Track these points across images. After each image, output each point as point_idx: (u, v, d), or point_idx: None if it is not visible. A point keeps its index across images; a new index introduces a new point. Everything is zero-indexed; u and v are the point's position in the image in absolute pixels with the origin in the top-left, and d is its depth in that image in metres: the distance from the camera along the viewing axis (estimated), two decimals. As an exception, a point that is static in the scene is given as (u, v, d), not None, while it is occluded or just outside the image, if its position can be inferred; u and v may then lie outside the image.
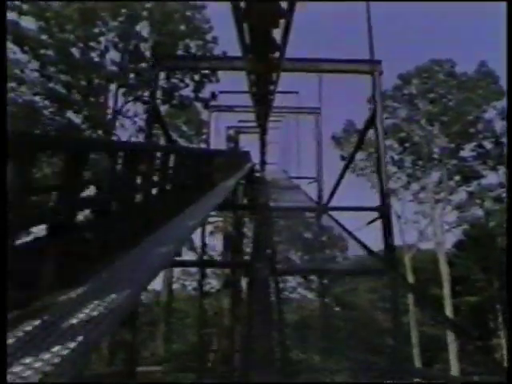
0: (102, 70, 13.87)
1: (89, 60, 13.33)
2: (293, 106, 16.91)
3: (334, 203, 12.15)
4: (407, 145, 26.49)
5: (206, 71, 17.68)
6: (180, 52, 17.14)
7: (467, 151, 24.54)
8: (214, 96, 19.08)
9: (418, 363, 19.48)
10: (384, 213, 8.46)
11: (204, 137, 23.27)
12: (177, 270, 30.38)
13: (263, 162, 22.41)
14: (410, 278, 22.66)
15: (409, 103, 25.11)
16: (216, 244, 29.02)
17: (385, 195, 8.56)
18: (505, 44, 4.34)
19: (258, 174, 20.50)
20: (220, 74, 18.06)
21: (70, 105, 12.48)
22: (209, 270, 35.70)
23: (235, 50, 9.95)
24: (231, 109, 16.75)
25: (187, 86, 18.79)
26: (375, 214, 8.93)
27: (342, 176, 10.81)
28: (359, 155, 28.81)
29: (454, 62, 22.47)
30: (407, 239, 24.87)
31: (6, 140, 1.81)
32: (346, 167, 10.91)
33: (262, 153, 22.11)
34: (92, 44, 13.81)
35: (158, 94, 18.53)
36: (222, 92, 16.21)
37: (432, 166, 25.19)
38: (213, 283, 32.36)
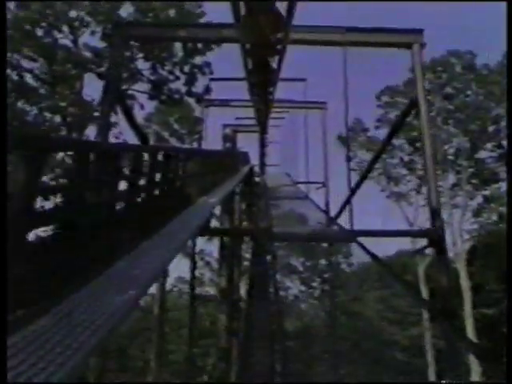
0: (74, 56, 11.94)
1: (56, 43, 11.43)
2: (296, 100, 14.95)
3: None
4: (420, 144, 24.46)
5: (197, 64, 15.80)
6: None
7: (486, 152, 22.54)
8: (207, 90, 17.14)
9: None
10: (436, 239, 6.27)
11: (198, 136, 21.42)
12: (173, 277, 28.91)
13: (263, 164, 20.46)
14: (424, 291, 20.67)
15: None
16: (213, 250, 27.50)
17: (435, 213, 6.43)
18: (505, 44, 3.30)
19: (257, 179, 18.63)
20: (216, 71, 16.14)
21: (27, 94, 10.56)
22: (206, 277, 34.03)
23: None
24: (226, 103, 14.78)
25: (178, 78, 16.89)
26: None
27: (358, 185, 8.75)
28: (366, 156, 26.90)
29: (473, 54, 20.49)
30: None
31: (5, 140, 1.76)
32: (368, 172, 8.76)
33: (262, 154, 20.17)
34: (63, 25, 11.90)
35: (146, 87, 16.70)
36: (213, 79, 14.22)
37: (446, 168, 23.19)
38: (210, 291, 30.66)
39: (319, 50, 8.21)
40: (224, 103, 14.90)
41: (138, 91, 16.51)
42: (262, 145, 19.88)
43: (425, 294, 20.34)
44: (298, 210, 8.58)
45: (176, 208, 4.99)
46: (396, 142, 25.20)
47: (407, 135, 25.25)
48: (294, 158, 18.61)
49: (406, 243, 24.66)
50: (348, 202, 9.94)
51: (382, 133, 25.60)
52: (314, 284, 34.11)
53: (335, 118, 13.72)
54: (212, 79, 14.34)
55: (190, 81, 16.57)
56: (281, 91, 12.95)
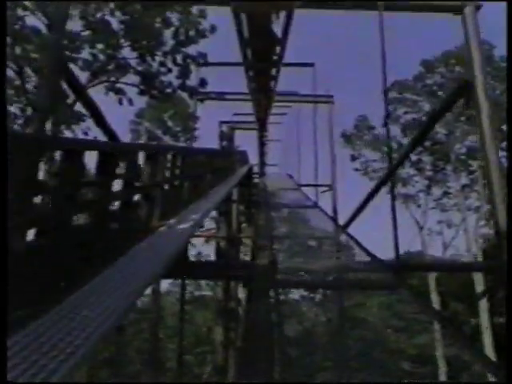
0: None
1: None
2: (300, 94, 13.53)
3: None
4: (429, 143, 23.06)
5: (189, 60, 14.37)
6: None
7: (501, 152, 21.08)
8: (203, 83, 15.74)
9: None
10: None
11: (195, 133, 20.02)
12: (168, 281, 27.77)
13: (262, 164, 19.08)
14: (436, 301, 19.32)
15: (432, 95, 21.69)
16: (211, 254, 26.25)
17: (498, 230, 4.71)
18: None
19: (256, 180, 17.29)
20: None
21: None
22: (203, 282, 32.77)
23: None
24: (222, 97, 13.36)
25: (170, 70, 15.48)
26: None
27: (373, 194, 7.29)
28: (371, 155, 25.52)
29: (491, 45, 19.03)
30: (431, 253, 21.55)
31: (5, 140, 1.75)
32: (389, 177, 7.27)
33: (261, 152, 18.79)
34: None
35: (133, 78, 15.26)
36: (204, 64, 12.75)
37: (457, 168, 21.81)
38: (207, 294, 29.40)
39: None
40: (219, 97, 13.46)
41: (127, 84, 15.10)
42: (262, 143, 18.48)
43: (436, 302, 18.98)
44: (308, 223, 7.11)
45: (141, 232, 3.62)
46: (405, 140, 23.84)
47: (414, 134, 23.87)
48: (296, 158, 17.20)
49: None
50: (360, 210, 8.51)
51: (391, 131, 24.18)
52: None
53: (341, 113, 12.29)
54: (202, 64, 12.86)
55: (184, 73, 15.19)
56: (286, 83, 11.49)
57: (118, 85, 15.32)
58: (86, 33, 11.85)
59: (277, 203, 8.44)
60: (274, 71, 9.11)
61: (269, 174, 17.56)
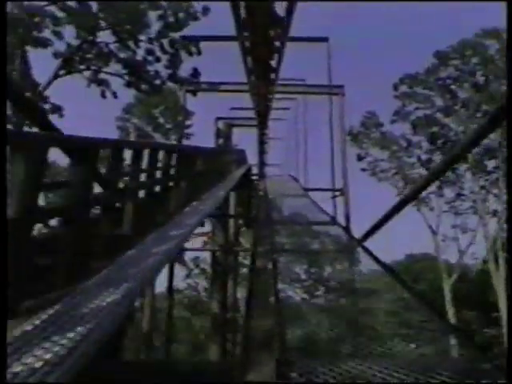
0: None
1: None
2: (305, 84, 11.82)
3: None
4: (441, 141, 21.42)
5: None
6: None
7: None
8: (195, 74, 14.10)
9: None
10: None
11: (188, 131, 18.37)
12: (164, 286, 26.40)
13: (262, 164, 17.44)
14: (451, 312, 17.69)
15: (445, 90, 20.02)
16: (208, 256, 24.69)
17: None
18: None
19: (254, 179, 15.64)
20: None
21: None
22: (201, 286, 31.20)
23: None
24: (215, 87, 11.65)
25: (158, 60, 13.84)
26: None
27: (400, 207, 5.49)
28: (379, 154, 23.86)
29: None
30: (446, 259, 19.90)
31: (5, 139, 1.74)
32: (424, 188, 5.49)
33: (261, 152, 17.14)
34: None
35: (116, 67, 13.62)
36: (185, 37, 11.04)
37: (473, 168, 20.18)
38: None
39: None
40: (212, 87, 11.75)
41: (111, 74, 13.45)
42: (262, 141, 16.82)
43: (452, 317, 17.34)
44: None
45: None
46: (415, 138, 22.24)
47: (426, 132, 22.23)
48: (299, 157, 15.54)
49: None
50: (381, 225, 6.76)
51: (398, 128, 22.56)
52: (318, 293, 31.66)
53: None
54: (184, 37, 11.16)
55: (173, 62, 13.55)
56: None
57: (102, 76, 13.77)
58: (52, 8, 10.10)
59: (281, 219, 6.68)
60: (275, 52, 7.49)
61: (270, 175, 15.90)
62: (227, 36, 8.79)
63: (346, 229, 6.94)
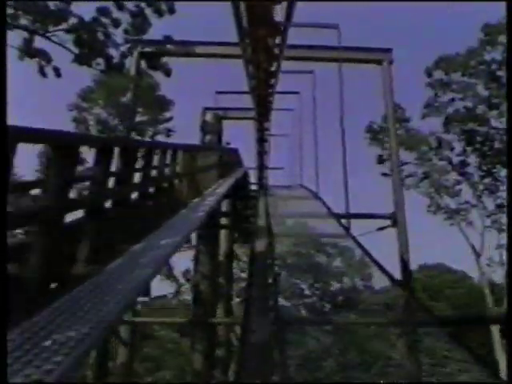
0: None
1: None
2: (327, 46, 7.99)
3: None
4: (479, 141, 17.55)
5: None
6: None
7: None
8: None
9: None
10: None
11: (167, 125, 14.51)
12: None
13: (262, 167, 13.55)
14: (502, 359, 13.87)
15: (489, 77, 16.13)
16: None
17: None
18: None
19: (252, 188, 11.90)
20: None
21: None
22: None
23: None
24: (188, 49, 7.75)
25: (117, 24, 9.94)
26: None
27: None
28: (405, 156, 19.97)
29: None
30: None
31: (5, 139, 1.73)
32: None
33: (261, 152, 13.26)
34: None
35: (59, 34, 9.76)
36: None
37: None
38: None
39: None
40: (182, 50, 7.82)
41: (51, 40, 9.64)
42: (262, 138, 12.92)
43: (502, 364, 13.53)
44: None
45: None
46: (447, 137, 18.36)
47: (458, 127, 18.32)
48: (311, 160, 11.68)
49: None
50: None
51: (430, 124, 18.61)
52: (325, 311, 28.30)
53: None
54: None
55: (138, 27, 9.68)
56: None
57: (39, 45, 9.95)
58: None
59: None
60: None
61: (273, 186, 12.00)
62: None
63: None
